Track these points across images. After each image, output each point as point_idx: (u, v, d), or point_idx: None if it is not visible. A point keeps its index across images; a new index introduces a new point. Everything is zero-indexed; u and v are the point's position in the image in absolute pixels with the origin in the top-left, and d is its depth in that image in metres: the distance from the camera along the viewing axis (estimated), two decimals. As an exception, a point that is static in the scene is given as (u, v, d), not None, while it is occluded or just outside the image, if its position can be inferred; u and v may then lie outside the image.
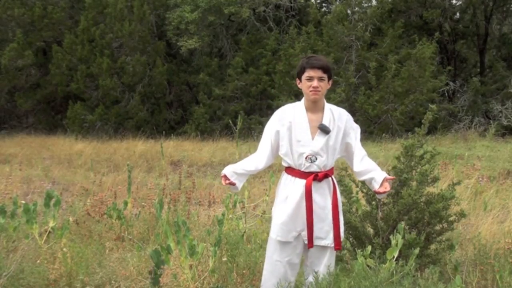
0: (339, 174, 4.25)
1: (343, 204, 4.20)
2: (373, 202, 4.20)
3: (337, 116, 3.39)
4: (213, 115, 17.09)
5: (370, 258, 3.50)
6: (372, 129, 15.19)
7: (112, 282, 4.17)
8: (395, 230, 3.74)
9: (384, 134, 14.19)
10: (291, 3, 18.18)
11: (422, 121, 4.10)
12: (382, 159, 10.73)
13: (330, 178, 3.38)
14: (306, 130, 3.33)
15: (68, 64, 17.60)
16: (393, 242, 3.47)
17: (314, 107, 3.36)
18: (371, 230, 4.17)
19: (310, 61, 3.31)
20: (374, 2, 17.07)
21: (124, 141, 14.56)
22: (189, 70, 18.65)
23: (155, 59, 17.42)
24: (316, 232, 3.34)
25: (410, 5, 18.16)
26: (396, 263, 3.43)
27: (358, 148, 3.43)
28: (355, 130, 3.46)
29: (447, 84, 16.81)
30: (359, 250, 3.52)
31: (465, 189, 7.27)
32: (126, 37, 16.94)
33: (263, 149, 3.43)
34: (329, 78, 3.37)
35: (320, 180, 3.33)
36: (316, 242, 3.35)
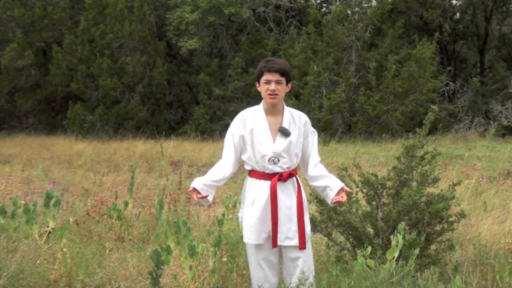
0: (339, 174, 4.24)
1: (343, 205, 4.20)
2: (373, 203, 4.20)
3: (297, 119, 3.42)
4: (213, 116, 17.09)
5: (370, 258, 3.50)
6: (372, 130, 15.19)
7: (112, 282, 4.16)
8: (395, 231, 3.74)
9: (384, 135, 14.19)
10: (291, 3, 18.18)
11: (423, 121, 4.09)
12: (382, 159, 10.74)
13: (294, 178, 3.41)
14: (267, 133, 3.35)
15: (68, 64, 17.59)
16: (394, 242, 3.46)
17: (274, 110, 3.38)
18: (371, 231, 4.17)
19: (267, 65, 3.33)
20: (374, 3, 17.07)
21: (124, 142, 14.56)
22: (189, 70, 18.65)
23: (155, 59, 17.42)
24: (285, 233, 3.35)
25: (410, 5, 18.16)
26: (396, 263, 3.42)
27: (314, 153, 3.47)
28: (313, 135, 3.49)
29: (447, 85, 16.81)
30: (359, 251, 3.52)
31: (465, 189, 7.27)
32: (126, 37, 16.94)
33: (228, 155, 3.42)
34: (288, 81, 3.39)
35: (284, 180, 3.36)
36: (286, 242, 3.35)
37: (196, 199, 3.31)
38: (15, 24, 18.15)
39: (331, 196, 3.38)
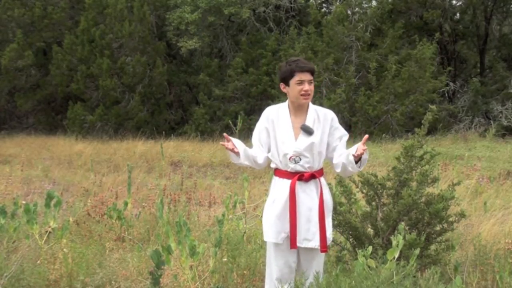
0: (339, 175, 4.24)
1: (343, 205, 4.20)
2: (373, 203, 4.20)
3: (322, 117, 3.39)
4: (213, 116, 17.08)
5: (371, 258, 3.50)
6: (372, 130, 15.18)
7: (113, 282, 4.17)
8: (395, 231, 3.74)
9: (384, 135, 14.19)
10: (291, 3, 18.17)
11: (422, 121, 4.10)
12: (382, 160, 10.75)
13: (318, 179, 3.36)
14: (289, 131, 3.34)
15: (68, 64, 17.58)
16: (394, 242, 3.47)
17: (299, 109, 3.37)
18: (371, 231, 4.17)
19: (299, 65, 3.30)
20: (374, 3, 17.06)
21: (124, 142, 14.55)
22: (189, 70, 18.64)
23: (155, 59, 17.42)
24: (303, 234, 3.33)
25: (410, 5, 18.15)
26: (397, 263, 3.43)
27: (342, 146, 3.41)
28: (341, 133, 3.43)
29: (447, 85, 16.80)
30: (360, 251, 3.52)
31: (466, 189, 7.27)
32: (126, 37, 16.94)
33: (258, 147, 3.43)
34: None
35: (306, 181, 3.32)
36: (304, 244, 3.34)
37: (226, 143, 3.32)
38: (15, 24, 18.13)
39: (352, 158, 3.25)
